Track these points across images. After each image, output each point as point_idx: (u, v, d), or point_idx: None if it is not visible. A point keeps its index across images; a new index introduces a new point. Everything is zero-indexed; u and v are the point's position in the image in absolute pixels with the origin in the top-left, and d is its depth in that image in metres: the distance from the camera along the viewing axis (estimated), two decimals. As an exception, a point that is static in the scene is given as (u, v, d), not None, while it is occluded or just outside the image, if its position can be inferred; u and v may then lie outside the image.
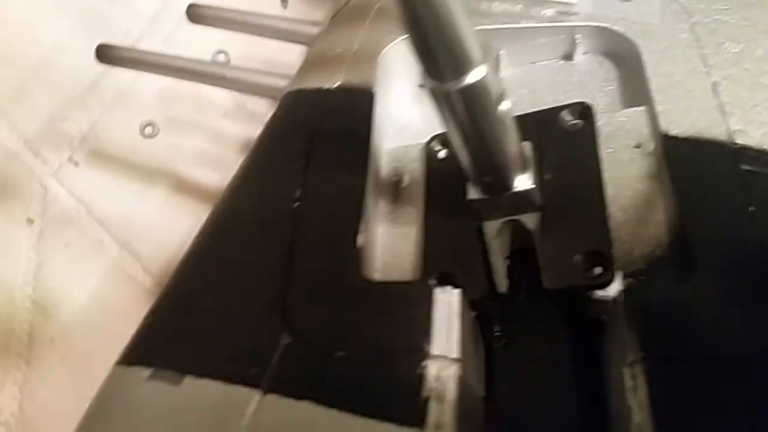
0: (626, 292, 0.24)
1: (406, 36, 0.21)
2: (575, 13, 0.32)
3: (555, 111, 0.29)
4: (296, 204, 0.27)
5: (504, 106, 0.23)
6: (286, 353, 0.23)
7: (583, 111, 0.29)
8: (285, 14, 0.53)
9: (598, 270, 0.25)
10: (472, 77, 0.22)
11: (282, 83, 0.35)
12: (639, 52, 0.31)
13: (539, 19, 0.33)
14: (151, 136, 0.50)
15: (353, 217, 0.26)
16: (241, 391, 0.22)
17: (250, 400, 0.22)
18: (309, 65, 0.35)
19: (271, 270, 0.25)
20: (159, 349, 0.25)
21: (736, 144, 0.27)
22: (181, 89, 0.52)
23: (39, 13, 0.55)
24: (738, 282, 0.24)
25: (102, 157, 0.49)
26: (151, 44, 0.51)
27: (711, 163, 0.27)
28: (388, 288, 0.25)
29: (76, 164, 0.49)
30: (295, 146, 0.30)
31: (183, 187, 0.49)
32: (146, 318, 0.26)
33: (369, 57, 0.32)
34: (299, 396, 0.22)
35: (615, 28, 0.32)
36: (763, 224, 0.25)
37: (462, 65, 0.22)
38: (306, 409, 0.21)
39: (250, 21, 0.39)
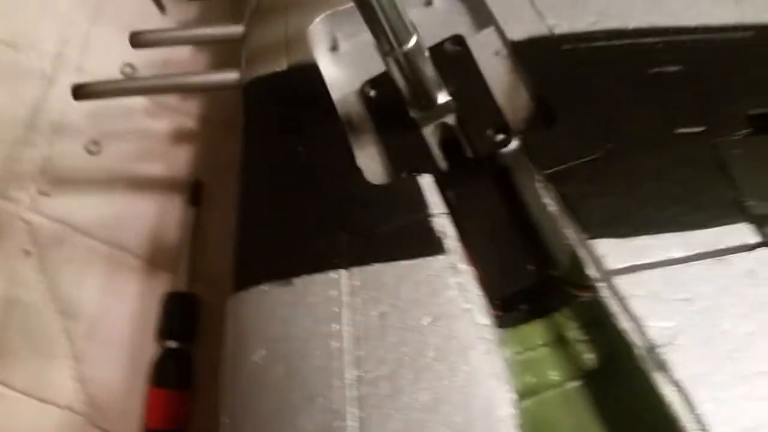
0: (522, 143, 0.40)
1: (366, 26, 0.35)
2: (426, -27, 0.47)
3: (441, 44, 0.43)
4: (302, 156, 0.40)
5: (426, 53, 0.38)
6: (349, 243, 0.36)
7: (459, 39, 0.44)
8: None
9: (501, 136, 0.41)
10: (410, 44, 0.36)
11: (233, 76, 0.46)
12: (476, -10, 0.46)
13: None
14: (97, 152, 0.59)
15: (347, 148, 0.40)
16: (332, 273, 0.35)
17: (341, 275, 0.35)
18: (252, 56, 0.46)
19: (308, 196, 0.38)
20: (264, 270, 0.36)
21: (555, 34, 0.43)
22: (107, 106, 0.60)
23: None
24: (582, 116, 0.40)
25: (64, 181, 0.57)
26: (67, 78, 0.59)
27: (544, 50, 0.42)
28: (389, 186, 0.39)
29: (47, 194, 0.57)
30: (278, 118, 0.42)
31: (139, 183, 0.58)
32: (236, 255, 0.38)
33: (299, 38, 0.45)
34: (368, 262, 0.36)
35: (457, -23, 0.46)
36: (582, 79, 0.41)
37: (403, 39, 0.35)
38: (377, 268, 0.35)
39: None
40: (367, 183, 0.39)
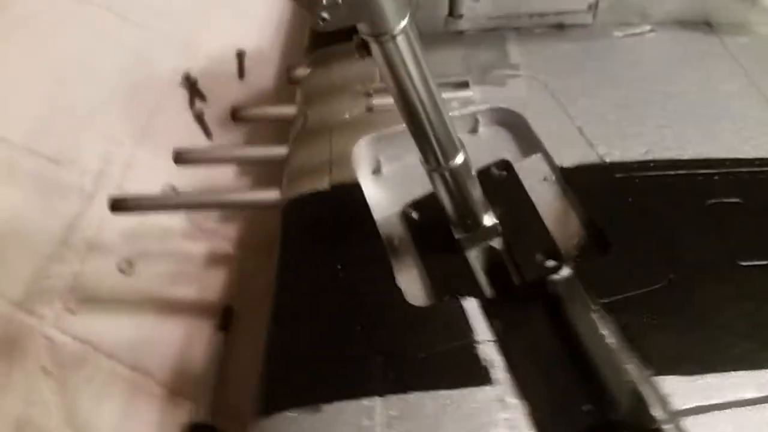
0: (575, 270, 0.37)
1: (412, 144, 0.34)
2: (473, 102, 0.46)
3: (487, 168, 0.42)
4: (341, 275, 0.38)
5: (473, 171, 0.36)
6: (384, 368, 0.33)
7: (506, 164, 0.43)
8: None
9: (551, 262, 0.38)
10: (457, 160, 0.34)
11: (273, 195, 0.46)
12: (524, 118, 0.45)
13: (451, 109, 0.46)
14: (130, 272, 0.57)
15: (387, 267, 0.38)
16: (366, 401, 0.32)
17: (375, 403, 0.32)
18: (293, 177, 0.45)
19: (344, 317, 0.36)
20: (291, 394, 0.33)
21: (607, 162, 0.41)
22: (144, 225, 0.60)
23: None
24: (638, 244, 0.37)
25: (92, 300, 0.56)
26: (107, 196, 0.59)
27: (595, 176, 0.41)
28: (431, 308, 0.37)
29: (73, 312, 0.55)
30: (318, 235, 0.40)
31: (168, 306, 0.56)
32: (262, 377, 0.35)
33: (343, 159, 0.44)
34: (406, 390, 0.32)
35: (503, 105, 0.46)
36: (637, 207, 0.39)
37: (451, 155, 0.34)
38: (416, 397, 0.32)
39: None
40: (408, 305, 0.36)
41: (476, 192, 0.37)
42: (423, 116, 0.32)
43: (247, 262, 0.59)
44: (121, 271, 0.57)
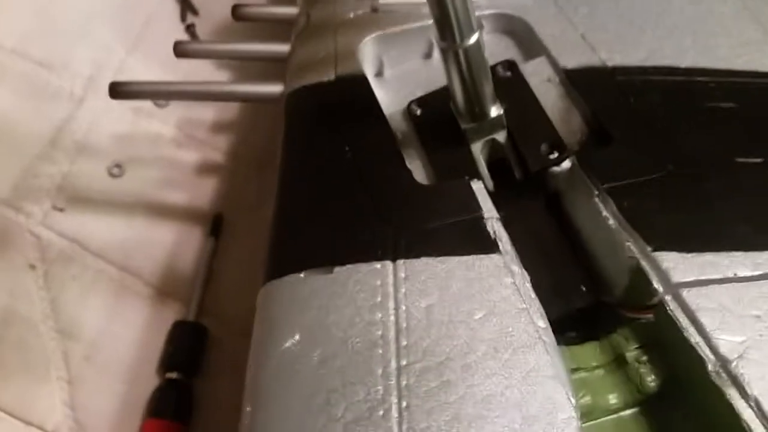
0: (577, 161, 0.38)
1: (431, 13, 0.34)
2: (477, 6, 0.47)
3: (492, 67, 0.43)
4: (349, 155, 0.38)
5: (485, 52, 0.37)
6: (396, 236, 0.34)
7: (510, 64, 0.43)
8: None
9: (555, 153, 0.39)
10: (472, 39, 0.35)
11: (276, 88, 0.46)
12: (528, 23, 0.46)
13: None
14: (119, 175, 0.57)
15: (396, 151, 0.38)
16: (378, 264, 0.33)
17: (386, 266, 0.33)
18: (296, 71, 0.45)
19: (353, 192, 0.36)
20: (302, 258, 0.34)
21: (609, 66, 0.42)
22: (134, 131, 0.60)
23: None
24: (639, 138, 0.39)
25: (81, 200, 0.55)
26: (97, 101, 0.58)
27: (598, 78, 0.42)
28: (440, 186, 0.37)
29: (61, 210, 0.55)
30: (324, 121, 0.41)
31: (158, 210, 0.56)
32: (271, 246, 0.36)
33: (349, 54, 0.44)
34: (417, 256, 0.33)
35: (508, 11, 0.47)
36: (638, 106, 0.40)
37: (466, 33, 0.35)
38: (426, 261, 0.33)
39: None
40: (416, 182, 0.37)
41: (488, 76, 0.37)
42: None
43: (238, 172, 0.59)
44: (111, 174, 0.57)
